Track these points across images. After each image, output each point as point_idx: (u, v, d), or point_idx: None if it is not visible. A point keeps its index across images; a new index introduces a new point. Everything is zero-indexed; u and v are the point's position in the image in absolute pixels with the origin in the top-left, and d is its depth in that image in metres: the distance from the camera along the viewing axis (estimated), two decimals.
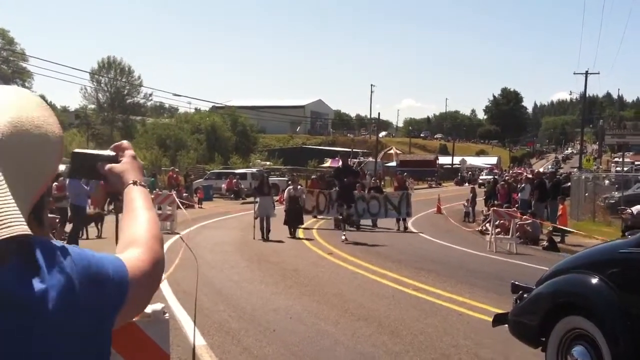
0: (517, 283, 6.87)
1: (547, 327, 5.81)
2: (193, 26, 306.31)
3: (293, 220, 19.80)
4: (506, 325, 6.49)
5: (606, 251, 6.14)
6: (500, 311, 9.14)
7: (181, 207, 18.53)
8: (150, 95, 76.54)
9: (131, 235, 1.46)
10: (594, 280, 5.41)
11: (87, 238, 17.82)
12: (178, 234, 18.47)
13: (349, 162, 24.00)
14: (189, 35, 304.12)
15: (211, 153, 64.10)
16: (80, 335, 1.18)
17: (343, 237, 18.17)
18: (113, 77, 75.04)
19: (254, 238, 18.11)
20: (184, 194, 32.19)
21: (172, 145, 62.63)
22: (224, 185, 41.92)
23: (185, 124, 70.09)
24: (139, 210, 1.53)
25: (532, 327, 6.05)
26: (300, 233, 20.04)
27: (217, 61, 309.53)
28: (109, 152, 1.66)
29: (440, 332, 7.95)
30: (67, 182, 16.59)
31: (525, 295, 6.41)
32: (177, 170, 39.65)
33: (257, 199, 19.62)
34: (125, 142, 1.71)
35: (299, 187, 21.71)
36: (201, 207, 31.79)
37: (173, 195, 20.76)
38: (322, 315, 8.74)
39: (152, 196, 20.93)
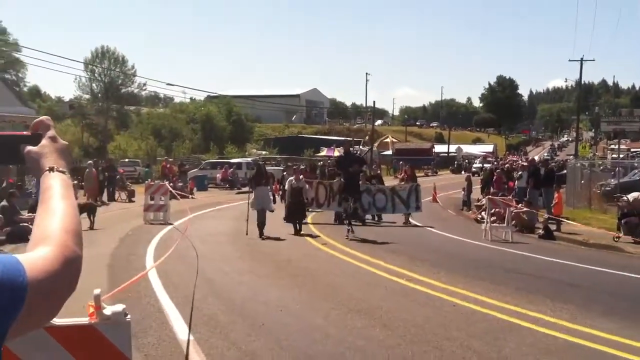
0: None
1: None
2: (187, 15, 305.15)
3: (297, 215, 17.88)
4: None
5: None
6: (492, 301, 9.03)
7: (177, 196, 18.24)
8: (144, 85, 76.02)
9: (43, 231, 1.26)
10: None
11: None
12: (171, 224, 18.34)
13: (352, 149, 20.81)
14: (183, 24, 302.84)
15: (207, 143, 63.89)
16: None
17: (346, 235, 16.44)
18: (107, 67, 74.48)
19: (246, 234, 16.42)
20: (179, 184, 31.95)
21: (167, 135, 62.37)
22: (218, 175, 41.71)
23: (180, 113, 69.83)
24: (53, 201, 1.34)
25: None
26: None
27: (211, 50, 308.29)
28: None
29: (433, 324, 7.80)
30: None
31: None
32: (171, 160, 39.40)
33: (253, 190, 17.65)
34: (44, 118, 1.50)
35: (301, 177, 19.27)
36: (193, 198, 31.39)
37: (166, 185, 20.59)
38: (313, 308, 8.58)
39: (144, 186, 20.90)
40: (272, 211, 17.58)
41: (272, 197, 18.18)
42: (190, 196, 31.26)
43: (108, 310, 2.44)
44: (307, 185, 19.39)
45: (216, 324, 7.63)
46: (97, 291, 2.47)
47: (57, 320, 2.43)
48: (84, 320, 2.49)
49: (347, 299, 9.18)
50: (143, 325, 7.44)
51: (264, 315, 8.09)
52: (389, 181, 29.14)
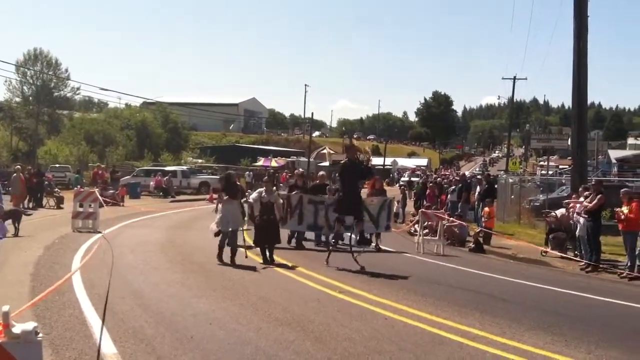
0: None
1: None
2: (123, 19, 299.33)
3: (268, 239, 14.27)
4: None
5: None
6: (423, 314, 9.07)
7: (103, 204, 17.82)
8: (78, 89, 74.14)
9: None
10: None
11: (4, 236, 16.76)
12: (100, 232, 17.85)
13: (357, 157, 15.55)
14: (119, 28, 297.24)
15: (141, 150, 62.74)
16: None
17: (359, 267, 13.43)
18: (39, 70, 72.32)
19: (221, 261, 13.72)
20: (110, 191, 31.18)
21: (100, 141, 60.92)
22: (152, 183, 40.96)
23: (115, 119, 68.36)
24: None
25: None
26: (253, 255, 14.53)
27: (148, 56, 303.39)
28: None
29: (364, 337, 7.76)
30: None
31: None
32: (103, 166, 38.44)
33: (219, 205, 14.51)
34: None
35: (273, 189, 15.45)
36: (122, 205, 30.57)
37: (95, 193, 20.07)
38: (244, 321, 8.42)
39: (74, 193, 20.28)
40: (243, 228, 15.02)
41: (244, 214, 15.08)
42: (120, 204, 30.55)
43: (17, 328, 2.27)
44: (280, 201, 15.76)
45: (142, 337, 7.39)
46: (5, 308, 2.30)
47: None
48: None
49: (279, 311, 9.06)
50: (65, 338, 7.14)
51: (193, 328, 7.89)
52: None
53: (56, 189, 31.01)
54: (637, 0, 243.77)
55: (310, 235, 18.25)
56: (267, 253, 14.11)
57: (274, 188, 15.64)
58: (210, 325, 8.06)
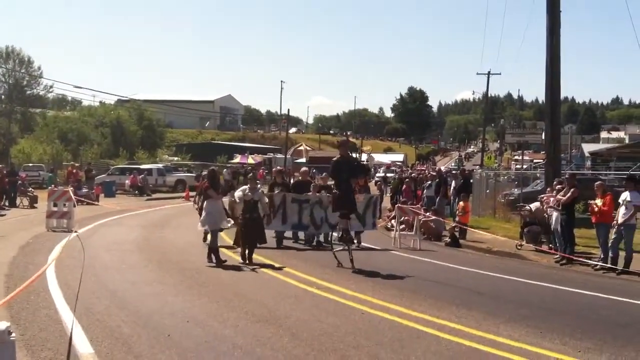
0: None
1: None
2: (97, 15, 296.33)
3: (250, 238, 13.75)
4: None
5: None
6: (400, 309, 9.13)
7: (76, 203, 17.63)
8: (51, 87, 73.24)
9: None
10: None
11: None
12: (75, 232, 17.69)
13: (350, 153, 15.06)
14: (93, 25, 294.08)
15: (116, 148, 62.11)
16: None
17: (352, 268, 13.12)
18: (12, 68, 71.34)
19: (211, 261, 13.33)
20: (84, 190, 30.87)
21: (74, 139, 60.27)
22: (127, 181, 40.63)
23: (89, 117, 67.66)
24: None
25: None
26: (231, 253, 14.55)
27: (123, 53, 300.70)
28: None
29: (341, 333, 7.79)
30: None
31: None
32: (77, 165, 38.05)
33: (201, 204, 14.49)
34: None
35: (257, 187, 14.79)
36: (97, 204, 30.25)
37: (69, 192, 19.88)
38: (221, 318, 8.41)
39: (48, 192, 20.02)
40: (227, 227, 14.41)
41: (226, 213, 14.63)
42: (95, 202, 30.26)
43: None
44: (265, 199, 15.10)
45: (119, 336, 7.35)
46: None
47: None
48: None
49: (256, 308, 9.07)
50: (40, 338, 7.09)
51: (170, 326, 7.86)
52: None
53: (30, 189, 30.64)
54: None
55: (288, 233, 18.09)
56: (246, 252, 13.74)
57: (258, 186, 15.00)
58: (187, 323, 8.04)
